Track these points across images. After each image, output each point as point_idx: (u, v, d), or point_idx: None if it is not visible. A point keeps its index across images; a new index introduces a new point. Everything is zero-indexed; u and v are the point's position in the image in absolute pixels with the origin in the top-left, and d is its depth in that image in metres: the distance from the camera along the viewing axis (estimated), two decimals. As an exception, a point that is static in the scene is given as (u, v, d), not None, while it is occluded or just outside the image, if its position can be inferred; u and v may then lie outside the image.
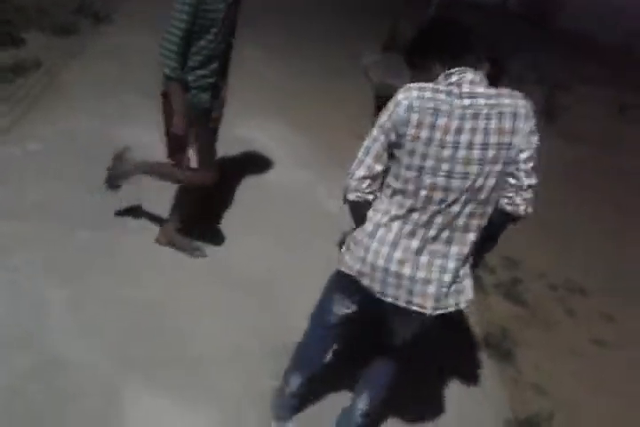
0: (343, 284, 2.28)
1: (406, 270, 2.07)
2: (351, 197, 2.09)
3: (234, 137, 4.45)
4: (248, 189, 4.28)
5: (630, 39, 9.84)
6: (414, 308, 2.11)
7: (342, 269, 2.21)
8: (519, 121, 1.96)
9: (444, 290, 2.09)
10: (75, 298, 3.02)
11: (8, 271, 3.05)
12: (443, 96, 1.94)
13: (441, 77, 2.03)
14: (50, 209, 3.55)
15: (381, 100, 5.63)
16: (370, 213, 2.13)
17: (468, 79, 1.98)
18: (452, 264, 2.08)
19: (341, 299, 2.33)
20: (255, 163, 4.62)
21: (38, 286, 3.02)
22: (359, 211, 2.16)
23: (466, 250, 2.08)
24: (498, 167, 1.97)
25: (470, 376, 3.31)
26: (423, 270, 2.07)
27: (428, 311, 2.11)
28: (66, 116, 4.54)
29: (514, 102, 1.97)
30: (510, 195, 2.08)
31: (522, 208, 2.10)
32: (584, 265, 4.62)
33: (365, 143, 2.04)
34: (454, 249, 2.07)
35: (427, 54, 2.09)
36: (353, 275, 2.17)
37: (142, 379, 2.70)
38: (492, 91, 1.98)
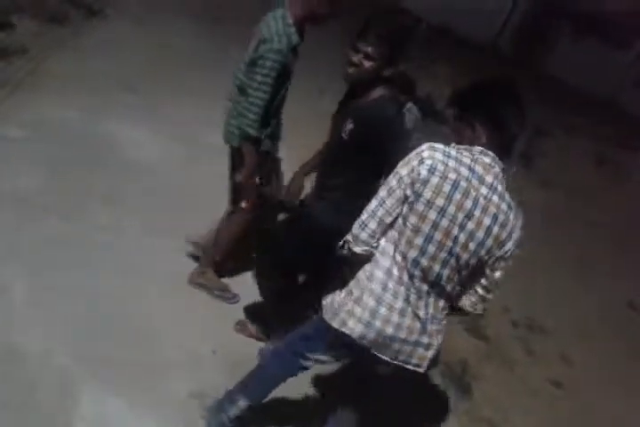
0: (330, 337, 2.22)
1: (414, 337, 2.10)
2: (358, 250, 2.04)
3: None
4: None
5: (617, 92, 10.05)
6: (410, 367, 2.17)
7: (340, 328, 2.13)
8: (516, 221, 2.01)
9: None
10: (37, 289, 2.95)
11: (5, 271, 2.99)
12: (465, 171, 1.93)
13: (464, 145, 2.01)
14: (25, 197, 3.47)
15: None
16: (374, 271, 2.08)
17: (486, 162, 1.97)
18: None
19: (323, 349, 2.31)
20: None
21: (2, 272, 2.95)
22: (360, 260, 2.11)
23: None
24: (484, 258, 2.01)
25: (425, 407, 3.31)
26: (426, 337, 2.11)
27: (423, 370, 2.18)
28: (50, 105, 4.46)
29: (509, 199, 2.01)
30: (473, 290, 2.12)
31: (478, 307, 2.16)
32: (546, 304, 4.66)
33: (381, 193, 2.00)
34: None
35: (472, 112, 2.04)
36: (352, 336, 2.12)
37: (98, 376, 2.65)
38: (498, 183, 2.00)
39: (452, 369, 3.62)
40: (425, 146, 1.97)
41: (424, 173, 1.91)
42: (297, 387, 2.80)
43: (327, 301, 2.22)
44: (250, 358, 2.84)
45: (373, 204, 2.01)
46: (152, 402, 2.64)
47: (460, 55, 9.35)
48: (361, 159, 2.53)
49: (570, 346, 4.27)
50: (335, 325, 2.13)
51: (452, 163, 1.93)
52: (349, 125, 2.49)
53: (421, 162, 1.93)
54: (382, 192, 2.00)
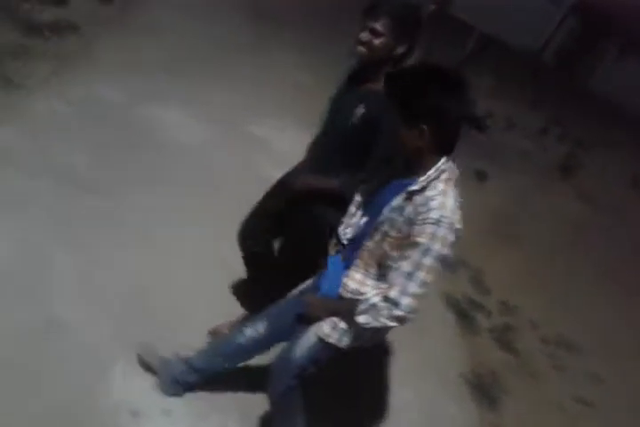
0: None
1: None
2: (412, 317, 1.97)
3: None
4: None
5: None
6: None
7: None
8: None
9: None
10: (79, 263, 2.95)
11: (21, 226, 2.99)
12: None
13: (436, 169, 1.93)
14: (70, 173, 3.48)
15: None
16: None
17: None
18: None
19: None
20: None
21: (48, 245, 2.95)
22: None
23: None
24: None
25: (451, 417, 3.26)
26: None
27: None
28: (95, 83, 4.49)
29: None
30: None
31: None
32: (578, 321, 4.60)
33: (426, 277, 1.91)
34: None
35: (421, 113, 1.90)
36: None
37: (131, 354, 2.62)
38: None
39: (482, 380, 3.57)
40: (451, 209, 1.90)
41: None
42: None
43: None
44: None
45: (426, 273, 1.90)
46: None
47: (504, 66, 9.30)
48: (368, 146, 2.39)
49: (600, 364, 4.20)
50: None
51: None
52: (360, 110, 2.38)
53: (456, 233, 1.91)
54: (429, 277, 1.91)
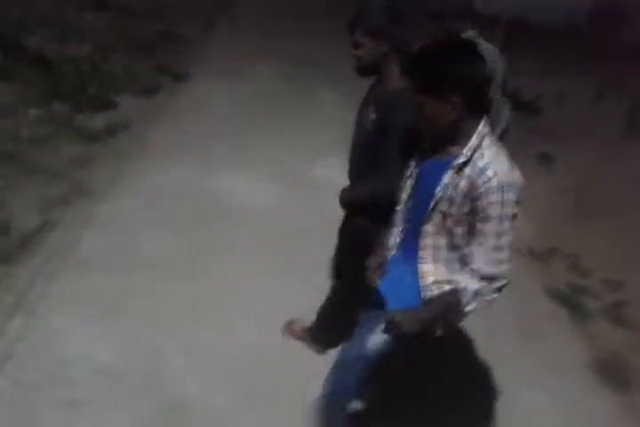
0: None
1: None
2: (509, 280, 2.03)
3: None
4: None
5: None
6: None
7: None
8: None
9: None
10: (186, 344, 3.14)
11: (124, 321, 3.21)
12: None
13: (477, 135, 1.93)
14: (156, 261, 3.71)
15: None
16: None
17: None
18: None
19: None
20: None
21: (152, 333, 3.17)
22: None
23: None
24: None
25: (587, 412, 3.21)
26: None
27: None
28: (159, 170, 4.79)
29: None
30: None
31: None
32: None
33: (510, 239, 1.97)
34: None
35: (449, 85, 1.87)
36: None
37: (262, 418, 2.78)
38: None
39: (608, 364, 3.49)
40: (514, 171, 1.93)
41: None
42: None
43: None
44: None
45: (509, 252, 1.98)
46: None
47: (540, 44, 9.18)
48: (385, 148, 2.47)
49: None
50: None
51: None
52: (372, 115, 2.49)
53: (520, 190, 1.93)
54: (510, 238, 1.97)
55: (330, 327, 3.09)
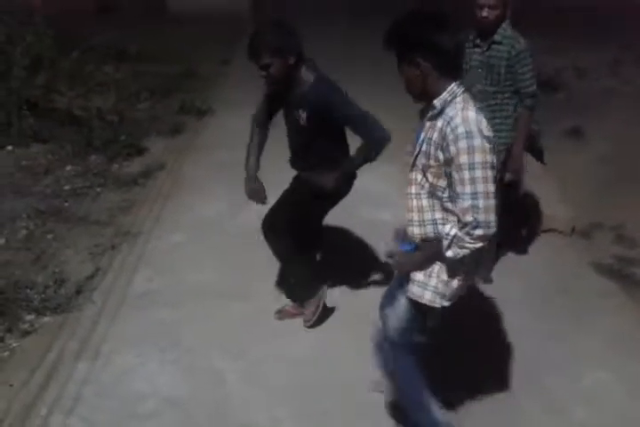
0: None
1: None
2: (493, 231, 2.09)
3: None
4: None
5: None
6: None
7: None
8: None
9: None
10: (247, 365, 3.23)
11: (183, 351, 3.34)
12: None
13: (449, 91, 2.12)
14: (205, 289, 3.85)
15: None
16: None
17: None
18: None
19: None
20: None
21: (211, 359, 3.28)
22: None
23: None
24: None
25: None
26: None
27: None
28: (197, 205, 4.97)
29: None
30: None
31: None
32: None
33: (488, 188, 2.06)
34: None
35: (409, 50, 2.12)
36: None
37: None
38: None
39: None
40: (475, 123, 2.05)
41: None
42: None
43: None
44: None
45: (487, 201, 2.05)
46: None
47: (548, 19, 9.11)
48: (326, 135, 3.06)
49: None
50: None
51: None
52: (303, 114, 2.97)
53: (489, 139, 2.06)
54: (489, 186, 2.05)
55: (301, 281, 3.49)
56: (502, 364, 3.26)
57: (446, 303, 2.32)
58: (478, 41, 3.50)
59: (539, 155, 5.68)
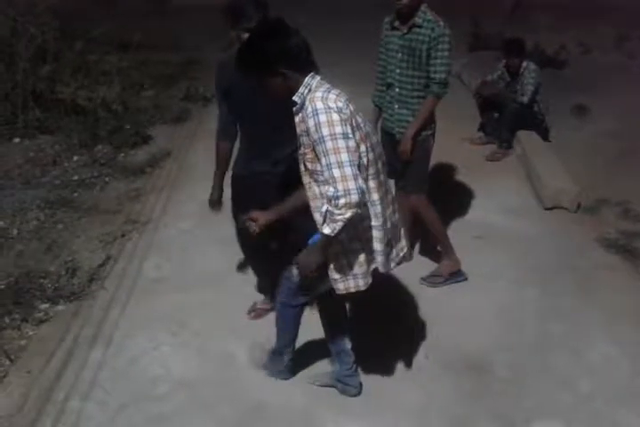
0: None
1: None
2: (357, 197, 2.16)
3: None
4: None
5: None
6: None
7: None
8: None
9: None
10: (256, 347, 3.26)
11: (193, 335, 3.41)
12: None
13: (304, 85, 2.28)
14: (214, 275, 3.91)
15: (481, 99, 5.72)
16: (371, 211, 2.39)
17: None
18: None
19: None
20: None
21: (222, 342, 3.34)
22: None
23: None
24: None
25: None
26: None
27: None
28: (203, 192, 4.93)
29: None
30: None
31: None
32: None
33: (348, 157, 2.16)
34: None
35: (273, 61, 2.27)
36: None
37: (337, 408, 2.91)
38: None
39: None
40: (320, 100, 2.18)
41: (349, 116, 2.22)
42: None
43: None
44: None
45: (341, 169, 2.14)
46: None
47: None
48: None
49: None
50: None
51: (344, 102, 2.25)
52: None
53: (338, 109, 2.17)
54: (342, 156, 2.14)
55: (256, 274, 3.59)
56: (506, 338, 3.30)
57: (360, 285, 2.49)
58: (397, 24, 3.44)
59: (544, 133, 5.69)
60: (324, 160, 2.17)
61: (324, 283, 2.52)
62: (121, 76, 7.66)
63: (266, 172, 3.02)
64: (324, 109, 2.15)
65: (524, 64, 5.47)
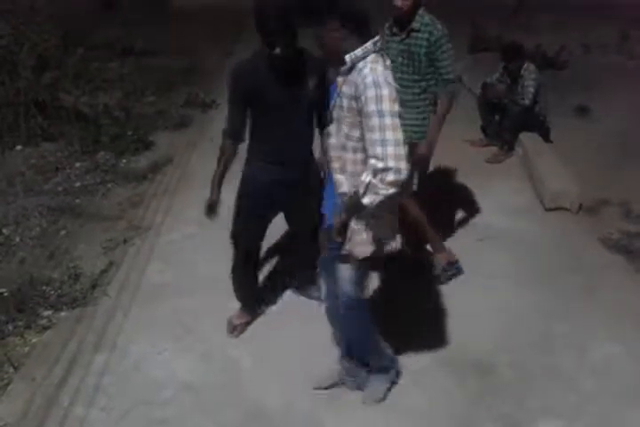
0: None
1: None
2: (405, 177, 2.17)
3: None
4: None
5: None
6: None
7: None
8: None
9: None
10: (260, 352, 3.30)
11: (197, 340, 3.40)
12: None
13: (362, 49, 2.26)
14: (217, 280, 3.83)
15: (484, 102, 5.71)
16: None
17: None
18: None
19: None
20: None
21: (225, 347, 3.35)
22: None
23: None
24: None
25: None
26: None
27: None
28: (206, 197, 4.98)
29: None
30: None
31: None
32: None
33: (396, 136, 2.15)
34: None
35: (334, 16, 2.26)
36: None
37: (339, 411, 2.91)
38: None
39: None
40: (382, 73, 2.20)
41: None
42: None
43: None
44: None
45: (396, 146, 2.14)
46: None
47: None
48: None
49: None
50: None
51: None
52: (312, 83, 2.81)
53: (396, 90, 2.20)
54: (398, 133, 2.16)
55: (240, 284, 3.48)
56: (509, 338, 3.30)
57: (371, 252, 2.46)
58: (396, 30, 3.48)
59: (545, 133, 5.69)
60: (377, 134, 2.14)
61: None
62: (122, 82, 7.71)
63: (281, 173, 3.00)
64: (387, 84, 2.16)
65: (525, 66, 5.48)
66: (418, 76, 3.47)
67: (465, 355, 3.20)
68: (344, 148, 2.35)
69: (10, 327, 3.51)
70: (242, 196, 3.20)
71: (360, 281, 2.62)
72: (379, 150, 2.13)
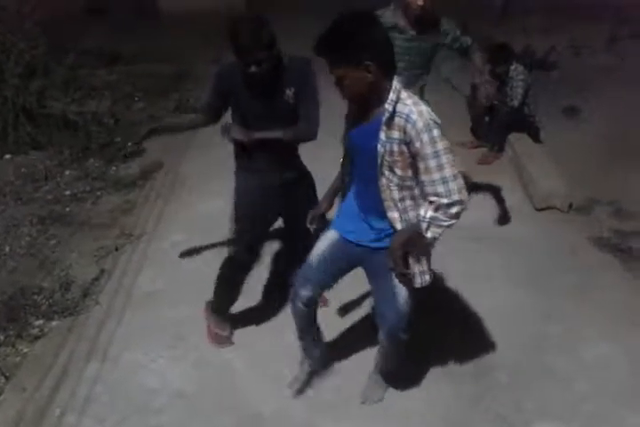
0: None
1: None
2: (465, 207, 2.26)
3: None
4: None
5: None
6: None
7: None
8: None
9: None
10: (254, 358, 3.28)
11: (190, 347, 3.40)
12: None
13: (394, 91, 2.21)
14: (208, 289, 3.74)
15: (472, 101, 5.70)
16: None
17: None
18: None
19: None
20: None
21: (218, 354, 3.34)
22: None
23: None
24: None
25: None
26: None
27: None
28: (197, 202, 5.00)
29: None
30: None
31: None
32: None
33: (453, 171, 2.19)
34: None
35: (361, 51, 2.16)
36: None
37: (336, 416, 2.90)
38: None
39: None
40: (428, 114, 2.17)
41: None
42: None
43: None
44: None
45: (457, 181, 2.20)
46: None
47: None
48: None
49: None
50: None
51: None
52: (290, 91, 2.83)
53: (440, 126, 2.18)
54: (454, 168, 2.20)
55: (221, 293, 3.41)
56: (504, 340, 3.30)
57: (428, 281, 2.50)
58: (407, 27, 3.51)
59: (535, 134, 5.71)
60: (437, 174, 2.18)
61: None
62: (111, 89, 7.68)
63: (263, 178, 3.08)
64: (435, 125, 2.16)
65: (513, 67, 5.48)
66: (421, 70, 3.67)
67: (460, 357, 3.19)
68: (400, 187, 2.33)
69: (1, 337, 3.49)
70: (236, 206, 3.24)
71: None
72: (440, 189, 2.19)
